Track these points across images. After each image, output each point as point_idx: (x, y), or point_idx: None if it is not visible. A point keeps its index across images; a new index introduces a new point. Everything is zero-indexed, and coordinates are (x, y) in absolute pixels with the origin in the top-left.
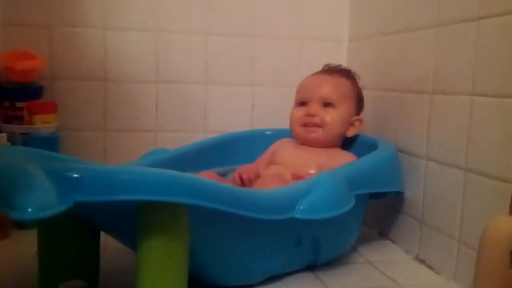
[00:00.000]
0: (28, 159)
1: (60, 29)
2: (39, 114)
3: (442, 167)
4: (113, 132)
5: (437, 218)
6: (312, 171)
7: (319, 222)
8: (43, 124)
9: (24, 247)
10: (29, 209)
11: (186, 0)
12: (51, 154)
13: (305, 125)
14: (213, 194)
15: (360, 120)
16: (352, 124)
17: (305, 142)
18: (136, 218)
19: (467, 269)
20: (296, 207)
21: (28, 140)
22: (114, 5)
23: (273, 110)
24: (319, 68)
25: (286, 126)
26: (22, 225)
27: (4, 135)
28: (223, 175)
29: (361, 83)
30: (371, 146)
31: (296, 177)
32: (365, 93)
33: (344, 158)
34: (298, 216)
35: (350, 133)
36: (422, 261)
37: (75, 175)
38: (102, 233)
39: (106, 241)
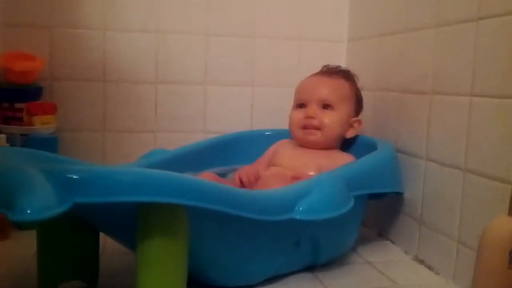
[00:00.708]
0: (27, 160)
1: (60, 30)
2: (39, 115)
3: (441, 168)
4: (112, 132)
5: (437, 218)
6: (311, 173)
7: (318, 223)
8: (43, 125)
9: (24, 248)
10: (28, 211)
11: (185, 0)
12: (50, 155)
13: (304, 127)
14: (213, 195)
15: (359, 122)
16: (351, 126)
17: (304, 145)
18: (135, 219)
19: (466, 269)
20: (296, 208)
21: (28, 141)
22: (113, 6)
23: (273, 111)
24: (319, 68)
25: (286, 126)
26: (21, 226)
27: (3, 136)
28: (222, 175)
29: (360, 84)
30: (371, 146)
31: (296, 179)
32: (364, 94)
33: (343, 159)
34: (298, 217)
35: (349, 134)
36: (421, 262)
37: (74, 176)
38: (101, 233)
39: (106, 241)
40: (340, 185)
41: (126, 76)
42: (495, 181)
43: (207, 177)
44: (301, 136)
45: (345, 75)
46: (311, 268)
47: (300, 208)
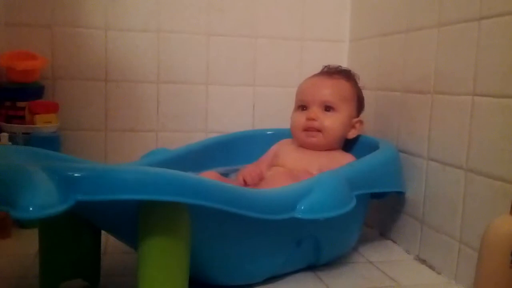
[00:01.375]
0: (30, 159)
1: (62, 29)
2: (40, 114)
3: (443, 167)
4: (114, 132)
5: (438, 218)
6: (313, 173)
7: (320, 222)
8: (44, 124)
9: (26, 246)
10: (31, 208)
11: (187, 0)
12: (52, 154)
13: (306, 129)
14: (215, 193)
15: (361, 122)
16: (353, 126)
17: (305, 146)
18: (137, 218)
19: (468, 269)
20: (297, 207)
21: (29, 139)
22: (115, 6)
23: (274, 111)
24: (320, 68)
25: (287, 126)
26: (23, 224)
27: (5, 134)
28: (224, 175)
29: (362, 84)
30: (372, 146)
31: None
32: (366, 94)
33: (345, 160)
34: (299, 216)
35: (351, 135)
36: (423, 261)
37: (76, 174)
38: (103, 232)
39: (107, 240)
40: (342, 184)
41: (128, 75)
42: (497, 180)
43: (209, 176)
44: (303, 138)
45: (346, 75)
46: (312, 267)
47: (302, 207)
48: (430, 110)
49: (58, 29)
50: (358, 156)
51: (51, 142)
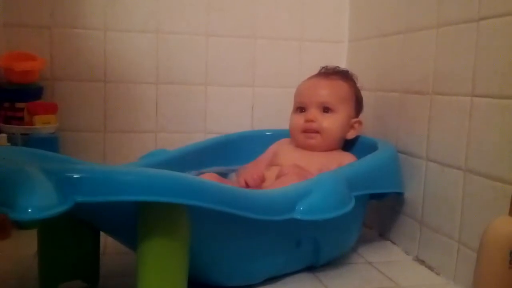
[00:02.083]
0: (29, 160)
1: (61, 30)
2: (39, 115)
3: (442, 168)
4: (113, 133)
5: (437, 218)
6: (314, 173)
7: (319, 223)
8: (43, 125)
9: (25, 247)
10: (29, 210)
11: (186, 1)
12: (51, 155)
13: (305, 131)
14: (214, 195)
15: (360, 122)
16: (352, 127)
17: (305, 148)
18: (136, 219)
19: (467, 270)
20: (296, 208)
21: (28, 140)
22: (114, 6)
23: (273, 111)
24: (319, 69)
25: (286, 127)
26: (22, 225)
27: (4, 135)
28: (223, 175)
29: (360, 84)
30: (371, 147)
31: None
32: (365, 94)
33: (345, 159)
34: (298, 216)
35: (350, 135)
36: (422, 262)
37: (75, 176)
38: (102, 233)
39: (106, 241)
40: (341, 185)
41: (126, 76)
42: (495, 181)
43: (208, 177)
44: (302, 140)
45: (344, 76)
46: (311, 268)
47: (301, 208)
48: (429, 111)
49: (57, 30)
50: (357, 156)
51: (50, 143)
